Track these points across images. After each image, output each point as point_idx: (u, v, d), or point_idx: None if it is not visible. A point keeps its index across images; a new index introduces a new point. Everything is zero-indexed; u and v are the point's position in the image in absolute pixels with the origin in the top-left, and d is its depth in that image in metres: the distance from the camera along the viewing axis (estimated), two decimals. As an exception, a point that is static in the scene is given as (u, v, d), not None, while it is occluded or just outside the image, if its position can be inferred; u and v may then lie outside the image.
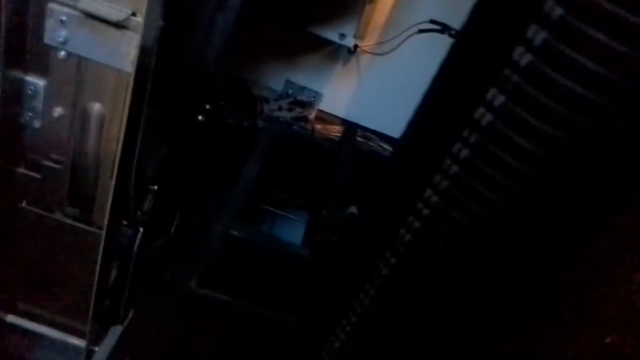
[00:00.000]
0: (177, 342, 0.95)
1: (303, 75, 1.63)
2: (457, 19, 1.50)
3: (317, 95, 1.63)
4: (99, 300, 0.80)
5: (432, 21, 1.51)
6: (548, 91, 0.55)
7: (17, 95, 0.69)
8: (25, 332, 0.85)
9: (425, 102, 0.85)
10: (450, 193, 0.64)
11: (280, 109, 1.53)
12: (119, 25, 0.64)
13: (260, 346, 1.04)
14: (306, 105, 1.59)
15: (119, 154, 0.69)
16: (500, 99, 0.59)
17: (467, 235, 0.67)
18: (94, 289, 0.79)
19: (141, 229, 0.92)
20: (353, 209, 1.18)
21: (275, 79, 1.63)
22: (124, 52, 0.65)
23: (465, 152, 0.61)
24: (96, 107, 0.70)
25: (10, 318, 0.85)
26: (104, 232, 0.74)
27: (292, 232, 1.29)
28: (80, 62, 0.67)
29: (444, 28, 1.52)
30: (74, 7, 0.64)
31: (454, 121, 0.75)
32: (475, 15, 0.72)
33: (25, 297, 0.84)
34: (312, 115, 1.60)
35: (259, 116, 1.48)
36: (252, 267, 0.98)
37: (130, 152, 0.71)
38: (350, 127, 1.42)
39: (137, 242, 0.92)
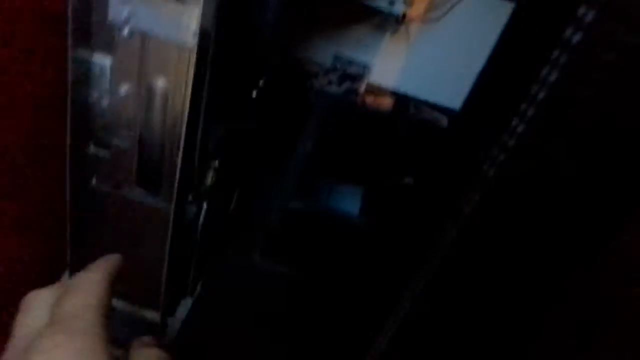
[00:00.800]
0: (243, 312, 0.97)
1: (351, 48, 1.61)
2: (509, -19, 1.44)
3: (365, 67, 1.61)
4: (170, 273, 0.83)
5: (484, -16, 1.46)
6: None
7: (86, 75, 0.71)
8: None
9: (489, 65, 0.83)
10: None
11: (330, 83, 1.52)
12: (179, -1, 0.64)
13: (321, 315, 1.06)
14: (355, 78, 1.57)
15: (183, 128, 0.70)
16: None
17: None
18: (165, 262, 0.81)
19: (205, 204, 0.94)
20: (409, 179, 1.17)
21: (323, 54, 1.62)
22: (184, 26, 0.66)
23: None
24: (160, 83, 0.72)
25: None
26: (172, 207, 0.76)
27: (349, 203, 1.29)
28: (143, 38, 0.68)
29: (495, -10, 1.47)
30: (136, -17, 0.64)
31: (521, 81, 0.73)
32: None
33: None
34: (361, 88, 1.58)
35: (310, 91, 1.47)
36: (311, 239, 0.99)
37: (194, 127, 0.72)
38: (402, 98, 1.39)
39: (202, 216, 0.94)
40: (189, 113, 0.68)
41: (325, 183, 1.28)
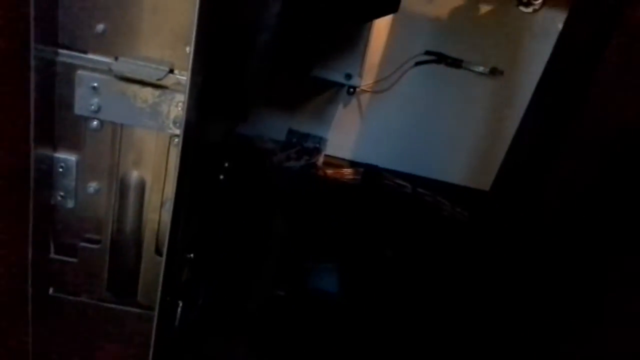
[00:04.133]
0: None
1: (305, 123, 1.60)
2: (451, 48, 1.50)
3: (322, 140, 1.60)
4: (152, 388, 0.72)
5: (427, 52, 1.51)
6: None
7: (47, 175, 0.63)
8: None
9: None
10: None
11: (289, 158, 1.49)
12: (156, 85, 0.59)
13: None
14: (313, 151, 1.55)
15: (169, 223, 0.63)
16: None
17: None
18: (147, 377, 0.71)
19: (180, 302, 0.85)
20: (388, 252, 1.13)
21: (277, 130, 1.60)
22: (164, 113, 0.61)
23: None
24: (134, 176, 0.65)
25: None
26: (155, 312, 0.67)
27: (327, 281, 1.22)
28: (115, 129, 0.62)
29: (440, 58, 1.52)
30: (107, 72, 0.59)
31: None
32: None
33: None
34: (320, 161, 1.56)
35: (270, 169, 1.43)
36: (298, 325, 0.92)
37: (178, 219, 0.66)
38: (370, 169, 1.37)
39: (178, 316, 0.85)
40: (175, 204, 0.61)
41: (302, 264, 1.22)
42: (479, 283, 1.09)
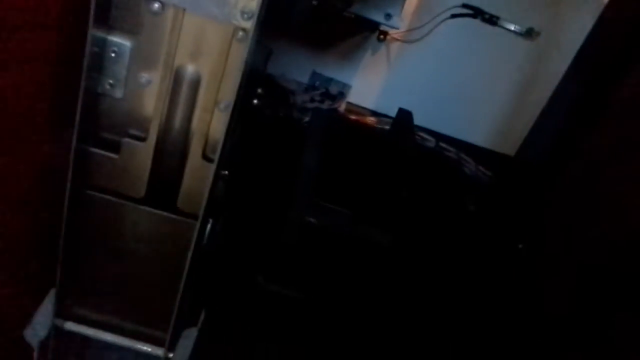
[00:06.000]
0: (248, 337, 0.85)
1: (330, 66, 1.55)
2: (490, 2, 1.46)
3: (345, 86, 1.55)
4: (183, 302, 0.70)
5: (464, 5, 1.46)
6: None
7: (98, 59, 0.59)
8: (89, 340, 0.74)
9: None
10: None
11: (312, 100, 1.45)
12: (226, -31, 0.55)
13: (327, 337, 0.96)
14: (336, 97, 1.51)
15: (224, 125, 0.59)
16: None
17: None
18: (180, 289, 0.69)
19: (210, 220, 0.82)
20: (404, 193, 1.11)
21: (301, 71, 1.55)
22: (232, 2, 0.56)
23: None
24: (190, 70, 0.61)
25: (70, 325, 0.74)
26: (198, 223, 0.64)
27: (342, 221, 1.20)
28: (176, 15, 0.58)
29: (477, 12, 1.47)
30: (175, -51, 0.55)
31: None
32: None
33: (91, 302, 0.73)
34: (342, 107, 1.52)
35: (293, 107, 1.39)
36: (330, 259, 0.89)
37: (231, 123, 0.62)
38: (404, 114, 1.33)
39: (207, 233, 0.82)
40: (233, 106, 0.57)
41: (323, 202, 1.19)
42: (495, 241, 1.07)
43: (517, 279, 0.94)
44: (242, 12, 0.57)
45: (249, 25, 0.56)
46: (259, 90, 1.04)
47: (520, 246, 1.00)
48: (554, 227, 0.94)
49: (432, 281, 0.94)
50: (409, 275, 0.92)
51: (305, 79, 1.56)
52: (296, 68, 1.54)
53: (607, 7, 1.21)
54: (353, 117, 1.46)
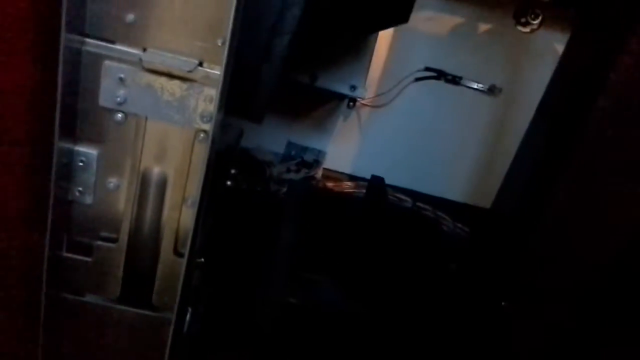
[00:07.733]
0: None
1: (304, 135, 1.60)
2: (451, 65, 1.52)
3: (320, 153, 1.59)
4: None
5: (427, 68, 1.53)
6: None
7: (67, 169, 0.61)
8: None
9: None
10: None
11: (288, 170, 1.47)
12: (184, 78, 0.58)
13: None
14: (312, 164, 1.54)
15: (190, 221, 0.61)
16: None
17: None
18: (159, 383, 0.68)
19: (189, 309, 0.82)
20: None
21: (276, 142, 1.59)
22: (191, 107, 0.59)
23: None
24: (156, 172, 0.63)
25: None
26: (173, 316, 0.65)
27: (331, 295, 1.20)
28: (138, 123, 0.61)
29: (440, 74, 1.54)
30: (134, 63, 0.58)
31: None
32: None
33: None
34: (319, 174, 1.55)
35: (270, 179, 1.42)
36: (309, 336, 0.89)
37: (199, 217, 0.64)
38: (376, 181, 1.36)
39: (186, 323, 0.82)
40: (200, 201, 0.59)
41: (308, 275, 1.19)
42: (478, 300, 1.08)
43: (501, 338, 0.94)
44: (202, 116, 0.60)
45: (209, 127, 0.59)
46: (232, 171, 1.07)
47: (503, 304, 1.01)
48: (525, 284, 0.95)
49: (417, 350, 0.94)
50: (393, 348, 0.92)
51: (281, 149, 1.60)
52: (271, 139, 1.58)
53: (562, 58, 1.27)
54: (329, 184, 1.49)
